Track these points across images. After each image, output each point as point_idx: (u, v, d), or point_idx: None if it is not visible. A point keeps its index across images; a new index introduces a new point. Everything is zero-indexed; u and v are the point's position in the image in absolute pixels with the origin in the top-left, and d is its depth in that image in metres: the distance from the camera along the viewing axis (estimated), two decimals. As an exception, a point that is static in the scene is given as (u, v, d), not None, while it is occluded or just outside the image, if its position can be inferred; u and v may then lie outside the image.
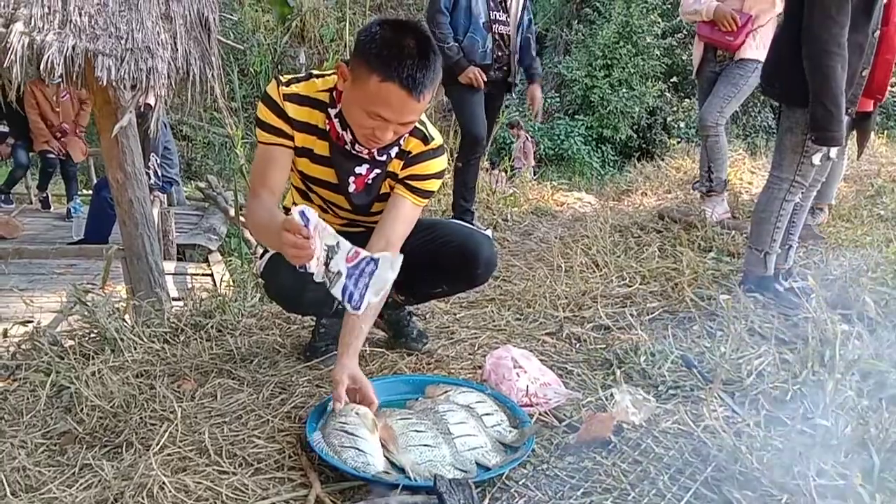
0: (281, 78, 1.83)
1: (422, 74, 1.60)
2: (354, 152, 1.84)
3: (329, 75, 1.84)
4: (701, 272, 3.08)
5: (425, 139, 1.89)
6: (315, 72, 1.87)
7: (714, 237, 3.72)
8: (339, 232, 1.59)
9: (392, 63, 1.59)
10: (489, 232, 1.96)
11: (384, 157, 1.87)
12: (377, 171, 1.90)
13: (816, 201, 3.26)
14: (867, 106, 3.46)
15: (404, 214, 1.91)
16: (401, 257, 1.57)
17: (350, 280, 1.54)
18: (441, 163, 1.93)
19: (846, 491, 1.43)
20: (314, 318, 2.30)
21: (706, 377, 2.05)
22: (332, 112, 1.80)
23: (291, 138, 1.83)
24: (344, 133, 1.80)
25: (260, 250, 2.34)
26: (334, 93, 1.80)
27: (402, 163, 1.90)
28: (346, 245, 1.55)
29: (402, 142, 1.86)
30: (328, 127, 1.82)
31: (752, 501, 1.45)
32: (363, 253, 1.55)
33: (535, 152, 9.83)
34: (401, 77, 1.58)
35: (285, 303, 2.12)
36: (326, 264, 1.56)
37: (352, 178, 1.89)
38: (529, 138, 9.64)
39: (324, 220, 1.60)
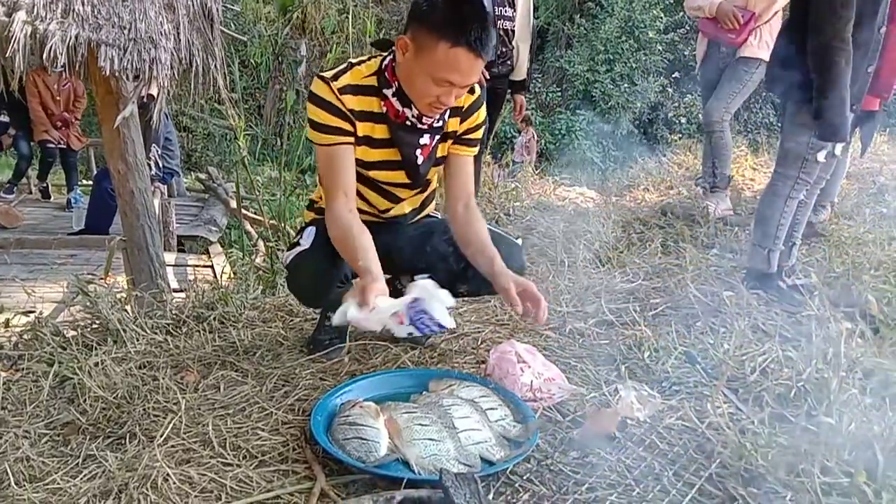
0: (323, 75, 1.85)
1: (486, 35, 1.68)
2: (420, 125, 1.88)
3: (367, 61, 1.87)
4: (704, 268, 3.08)
5: (471, 90, 1.93)
6: (352, 60, 1.89)
7: (717, 233, 3.72)
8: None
9: (459, 28, 1.65)
10: (520, 241, 1.98)
11: (440, 123, 1.92)
12: (437, 136, 1.95)
13: (819, 199, 3.25)
14: (873, 105, 3.46)
15: (468, 170, 2.03)
16: (428, 280, 1.68)
17: (421, 325, 1.64)
18: (484, 108, 2.01)
19: (850, 489, 1.43)
20: (318, 312, 2.29)
21: (710, 374, 2.05)
22: (389, 92, 1.83)
23: (352, 132, 1.86)
24: (405, 110, 1.84)
25: (260, 244, 2.35)
26: (385, 73, 1.83)
27: (458, 119, 1.96)
28: (394, 308, 1.62)
29: None
30: (385, 109, 1.85)
31: (756, 498, 1.45)
32: (403, 306, 1.62)
33: (537, 150, 9.81)
34: (469, 41, 1.65)
35: (305, 299, 2.14)
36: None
37: (418, 151, 1.94)
38: (536, 136, 9.60)
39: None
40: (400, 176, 1.99)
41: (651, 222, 4.07)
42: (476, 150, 2.05)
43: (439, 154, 2.00)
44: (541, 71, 11.86)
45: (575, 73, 10.48)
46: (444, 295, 1.65)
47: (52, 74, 6.98)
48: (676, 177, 5.64)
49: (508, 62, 3.90)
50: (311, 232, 2.01)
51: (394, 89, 1.83)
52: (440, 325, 1.63)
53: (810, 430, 1.69)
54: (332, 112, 1.83)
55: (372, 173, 1.97)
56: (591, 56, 10.34)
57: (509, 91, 4.16)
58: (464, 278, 2.01)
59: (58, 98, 7.30)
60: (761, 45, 3.86)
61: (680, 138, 8.95)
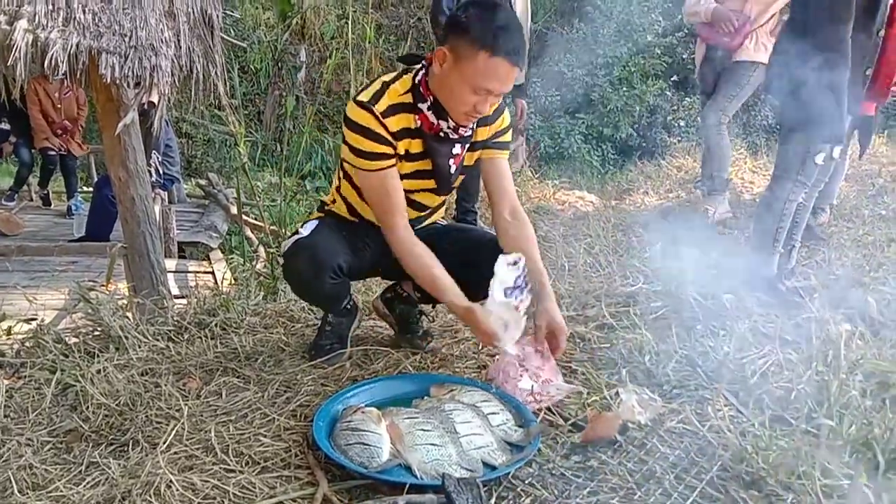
0: (361, 100, 1.87)
1: (521, 45, 1.77)
2: (454, 136, 1.93)
3: (400, 76, 1.91)
4: (704, 272, 3.08)
5: None
6: (384, 77, 1.93)
7: (717, 236, 3.72)
8: (413, 221, 1.97)
9: (497, 39, 1.72)
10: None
11: (469, 132, 1.96)
12: (467, 145, 2.00)
13: (818, 201, 3.27)
14: (869, 110, 3.48)
15: (506, 172, 2.08)
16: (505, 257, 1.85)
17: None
18: (507, 111, 2.07)
19: (851, 491, 1.44)
20: (320, 317, 2.30)
21: (710, 377, 2.05)
22: (424, 106, 1.88)
23: (395, 153, 1.90)
24: (440, 122, 1.88)
25: (262, 251, 2.37)
26: (419, 88, 1.87)
27: (486, 128, 2.00)
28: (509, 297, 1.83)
29: None
30: (420, 123, 1.89)
31: (757, 501, 1.46)
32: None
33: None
34: (507, 51, 1.73)
35: (298, 286, 2.13)
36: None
37: (451, 160, 1.98)
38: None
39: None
40: (429, 184, 2.04)
41: (651, 226, 4.07)
42: (508, 151, 2.10)
43: (466, 163, 2.05)
44: (539, 75, 11.87)
45: (574, 77, 10.47)
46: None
47: (53, 82, 7.00)
48: (675, 180, 5.65)
49: None
50: (312, 224, 2.07)
51: (429, 103, 1.87)
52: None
53: (811, 433, 1.70)
54: (377, 140, 1.86)
55: (403, 183, 1.99)
56: (590, 60, 10.34)
57: (509, 96, 4.18)
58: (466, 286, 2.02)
59: (58, 106, 7.32)
60: (758, 48, 3.88)
61: (679, 141, 8.95)
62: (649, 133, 10.42)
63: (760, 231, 2.86)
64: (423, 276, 1.92)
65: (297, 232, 2.09)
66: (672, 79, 10.51)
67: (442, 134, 1.91)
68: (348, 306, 2.21)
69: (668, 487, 1.52)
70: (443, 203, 2.21)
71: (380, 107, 1.85)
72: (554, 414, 1.84)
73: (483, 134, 2.01)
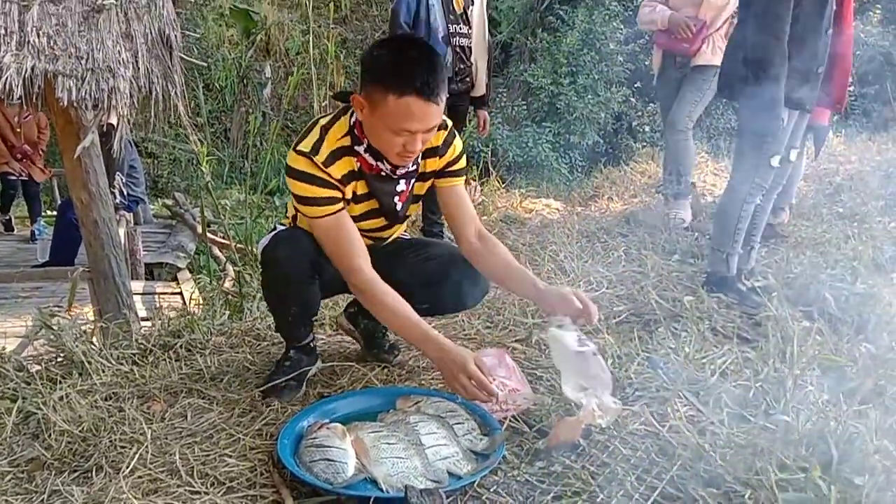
0: (301, 150, 1.83)
1: (433, 78, 1.69)
2: (395, 176, 1.92)
3: (336, 119, 1.88)
4: (666, 274, 3.14)
5: (444, 126, 1.96)
6: (322, 121, 1.89)
7: (678, 240, 3.79)
8: (371, 247, 1.93)
9: (403, 77, 1.67)
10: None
11: (414, 167, 1.95)
12: (413, 179, 1.99)
13: (777, 201, 3.34)
14: (823, 118, 3.58)
15: (464, 196, 2.07)
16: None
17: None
18: (458, 138, 2.04)
19: (806, 483, 1.48)
20: (282, 348, 2.23)
21: (671, 378, 2.09)
22: (361, 149, 1.86)
23: (342, 197, 1.88)
24: (378, 163, 1.87)
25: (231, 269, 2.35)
26: (354, 131, 1.85)
27: (435, 158, 1.98)
28: None
29: None
30: (359, 164, 1.88)
31: (716, 498, 1.49)
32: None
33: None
34: (415, 87, 1.67)
35: (278, 280, 2.00)
36: None
37: (396, 198, 1.98)
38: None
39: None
40: (380, 222, 2.04)
41: (614, 231, 4.13)
42: (463, 177, 2.08)
43: (416, 192, 2.04)
44: (506, 85, 11.96)
45: (539, 86, 10.57)
46: None
47: (12, 107, 6.90)
48: (639, 185, 5.73)
49: (468, 79, 3.96)
50: (285, 226, 2.08)
51: (365, 145, 1.86)
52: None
53: (768, 429, 1.74)
54: (323, 185, 1.83)
55: (356, 225, 1.97)
56: (555, 69, 10.44)
57: (472, 108, 4.22)
58: (427, 297, 2.04)
59: (18, 130, 7.21)
60: (715, 51, 3.96)
61: (643, 147, 9.09)
62: (615, 139, 10.57)
63: (719, 233, 2.91)
64: (390, 319, 1.89)
65: (274, 229, 2.08)
66: (636, 85, 10.67)
67: (383, 174, 1.90)
68: (311, 344, 2.15)
69: (629, 489, 1.55)
70: (402, 225, 2.20)
71: (320, 157, 1.82)
72: (519, 421, 1.86)
73: (433, 165, 2.00)
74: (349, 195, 1.90)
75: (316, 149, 1.83)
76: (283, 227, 2.07)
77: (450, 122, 2.00)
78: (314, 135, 1.86)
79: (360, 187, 1.92)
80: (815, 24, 2.66)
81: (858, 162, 6.18)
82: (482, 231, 2.04)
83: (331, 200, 1.85)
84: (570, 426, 1.73)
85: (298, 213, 1.99)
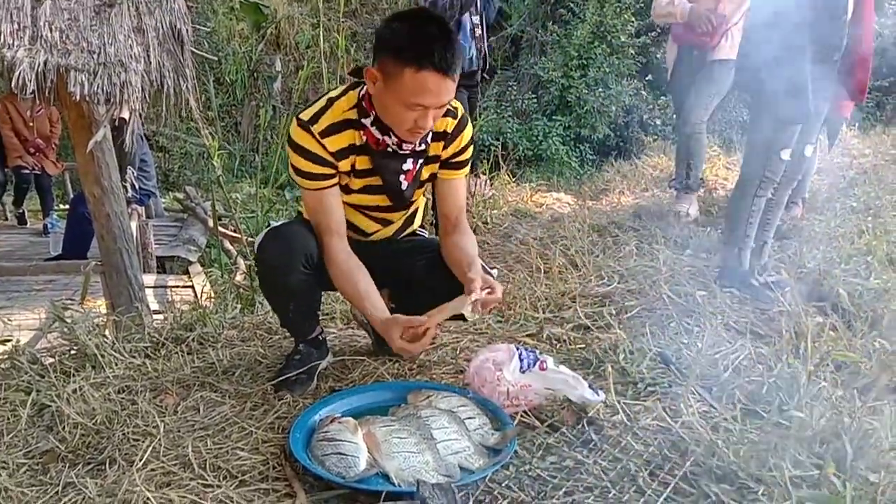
0: (302, 118, 1.84)
1: (451, 54, 1.68)
2: (401, 152, 1.90)
3: (345, 92, 1.87)
4: (678, 269, 3.12)
5: (454, 114, 1.95)
6: (331, 93, 1.89)
7: (690, 234, 3.77)
8: (367, 235, 2.04)
9: (422, 51, 1.65)
10: (494, 272, 2.01)
11: (423, 146, 1.94)
12: (420, 160, 1.97)
13: (790, 196, 3.31)
14: (846, 111, 3.53)
15: (459, 192, 2.06)
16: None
17: None
18: (470, 129, 2.02)
19: (820, 480, 1.47)
20: (292, 342, 2.23)
21: (683, 373, 2.08)
22: (367, 121, 1.85)
23: (336, 172, 1.88)
24: (385, 138, 1.85)
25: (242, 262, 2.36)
26: (363, 103, 1.84)
27: (441, 144, 1.97)
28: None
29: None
30: (365, 138, 1.87)
31: (729, 494, 1.48)
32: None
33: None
34: (433, 62, 1.65)
35: (271, 275, 1.98)
36: None
37: (402, 177, 1.96)
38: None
39: (359, 229, 2.04)
40: (383, 200, 2.02)
41: (626, 225, 4.12)
42: (465, 171, 2.07)
43: (424, 176, 2.02)
44: (516, 79, 11.94)
45: (550, 79, 10.55)
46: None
47: (24, 101, 6.94)
48: (650, 179, 5.70)
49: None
50: (284, 220, 2.08)
51: (372, 118, 1.84)
52: None
53: (781, 425, 1.73)
54: (315, 161, 1.84)
55: (356, 198, 1.99)
56: (565, 62, 10.41)
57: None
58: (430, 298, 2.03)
59: (31, 124, 7.26)
60: (734, 46, 3.93)
61: (654, 140, 9.04)
62: (626, 133, 10.52)
63: (731, 227, 2.90)
64: (343, 283, 1.91)
65: (268, 224, 2.09)
66: (647, 78, 10.62)
67: (390, 149, 1.89)
68: (320, 337, 2.16)
69: (642, 484, 1.54)
70: (413, 214, 2.19)
71: (319, 126, 1.82)
72: (530, 416, 1.85)
73: (439, 150, 1.98)
74: (346, 168, 1.89)
75: (316, 118, 1.83)
76: (275, 224, 2.04)
77: (461, 111, 1.98)
78: (319, 104, 1.87)
79: (363, 162, 1.91)
80: (832, 20, 2.62)
81: (872, 155, 6.13)
82: (461, 223, 2.04)
83: (322, 176, 1.87)
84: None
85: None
